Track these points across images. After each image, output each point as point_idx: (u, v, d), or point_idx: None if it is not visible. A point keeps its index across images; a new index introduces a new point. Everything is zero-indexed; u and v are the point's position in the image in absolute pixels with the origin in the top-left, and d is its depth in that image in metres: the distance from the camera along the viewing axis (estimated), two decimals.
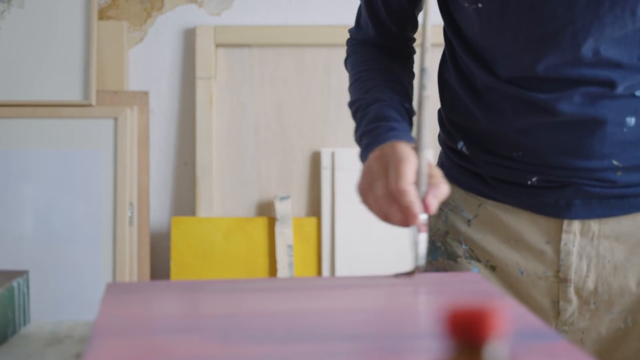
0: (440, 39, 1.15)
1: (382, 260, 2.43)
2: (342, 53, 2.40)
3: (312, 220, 2.46)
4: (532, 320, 0.76)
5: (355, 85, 1.09)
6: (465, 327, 0.49)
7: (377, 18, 1.11)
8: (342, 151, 2.46)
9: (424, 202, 0.90)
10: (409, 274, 0.92)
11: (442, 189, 0.91)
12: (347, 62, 1.15)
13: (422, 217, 0.91)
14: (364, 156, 0.99)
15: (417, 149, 0.92)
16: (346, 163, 2.46)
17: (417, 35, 1.15)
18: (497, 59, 1.02)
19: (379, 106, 1.03)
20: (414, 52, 1.17)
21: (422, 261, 0.91)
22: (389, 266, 2.40)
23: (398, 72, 1.10)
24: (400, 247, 2.43)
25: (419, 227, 0.91)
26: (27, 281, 0.94)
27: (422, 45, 0.93)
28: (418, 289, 0.90)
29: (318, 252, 2.45)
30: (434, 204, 0.91)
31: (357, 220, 2.43)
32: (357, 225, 2.43)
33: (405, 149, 0.92)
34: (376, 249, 2.43)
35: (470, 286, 0.90)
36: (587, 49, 0.96)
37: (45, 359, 0.82)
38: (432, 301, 0.85)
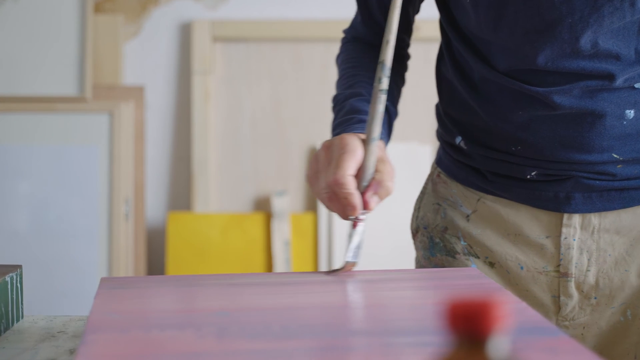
0: (437, 34, 1.14)
1: (379, 255, 2.42)
2: None
3: (309, 216, 2.45)
4: (532, 315, 0.75)
5: (339, 82, 1.10)
6: (466, 321, 0.47)
7: (367, 13, 1.11)
8: None
9: (362, 197, 0.89)
10: (339, 270, 0.91)
11: (385, 186, 0.90)
12: (337, 60, 1.16)
13: (361, 213, 0.89)
14: None
15: (365, 143, 0.91)
16: None
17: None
18: (494, 52, 1.01)
19: (355, 100, 1.03)
20: (408, 56, 1.16)
21: (351, 256, 0.91)
22: (386, 261, 2.39)
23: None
24: (398, 242, 2.42)
25: (354, 222, 0.90)
26: (20, 276, 0.93)
27: (384, 37, 0.93)
28: (418, 284, 0.89)
29: (315, 248, 2.44)
30: (372, 201, 0.90)
31: None
32: None
33: (351, 141, 0.91)
34: (373, 244, 2.42)
35: (470, 281, 0.89)
36: (585, 41, 0.95)
37: (38, 355, 0.80)
38: (431, 296, 0.84)
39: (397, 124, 2.49)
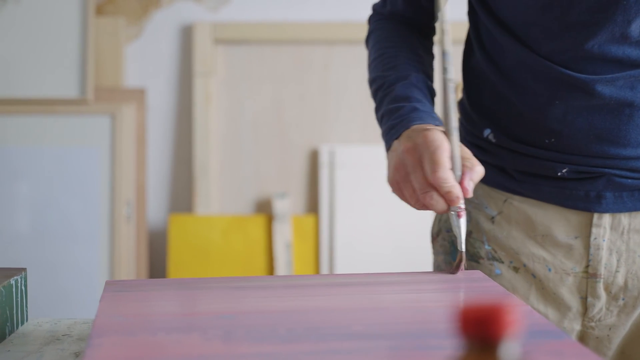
0: (459, 35, 1.13)
1: (381, 257, 2.42)
2: (341, 50, 2.39)
3: (311, 218, 2.44)
4: (538, 318, 0.75)
5: (377, 62, 1.08)
6: (478, 325, 0.47)
7: None
8: (340, 148, 2.45)
9: (461, 186, 0.92)
10: (458, 263, 0.93)
11: (477, 170, 0.92)
12: (370, 37, 1.13)
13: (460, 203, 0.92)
14: (388, 139, 0.99)
15: (446, 133, 0.92)
16: (345, 160, 2.45)
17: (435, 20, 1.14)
18: (536, 35, 0.99)
19: (402, 85, 1.02)
20: (434, 33, 1.15)
21: (463, 246, 0.93)
22: (387, 263, 2.39)
23: (422, 51, 1.09)
24: (398, 242, 2.42)
25: (457, 213, 0.92)
26: (25, 279, 0.93)
27: (441, 27, 0.92)
28: (422, 287, 0.88)
29: (316, 250, 2.44)
30: (470, 187, 0.92)
31: (356, 217, 2.42)
32: (355, 222, 2.42)
33: (436, 136, 0.92)
34: (375, 246, 2.42)
35: (475, 284, 0.89)
36: (635, 26, 0.94)
37: (43, 358, 0.80)
38: (436, 299, 0.84)
39: None
